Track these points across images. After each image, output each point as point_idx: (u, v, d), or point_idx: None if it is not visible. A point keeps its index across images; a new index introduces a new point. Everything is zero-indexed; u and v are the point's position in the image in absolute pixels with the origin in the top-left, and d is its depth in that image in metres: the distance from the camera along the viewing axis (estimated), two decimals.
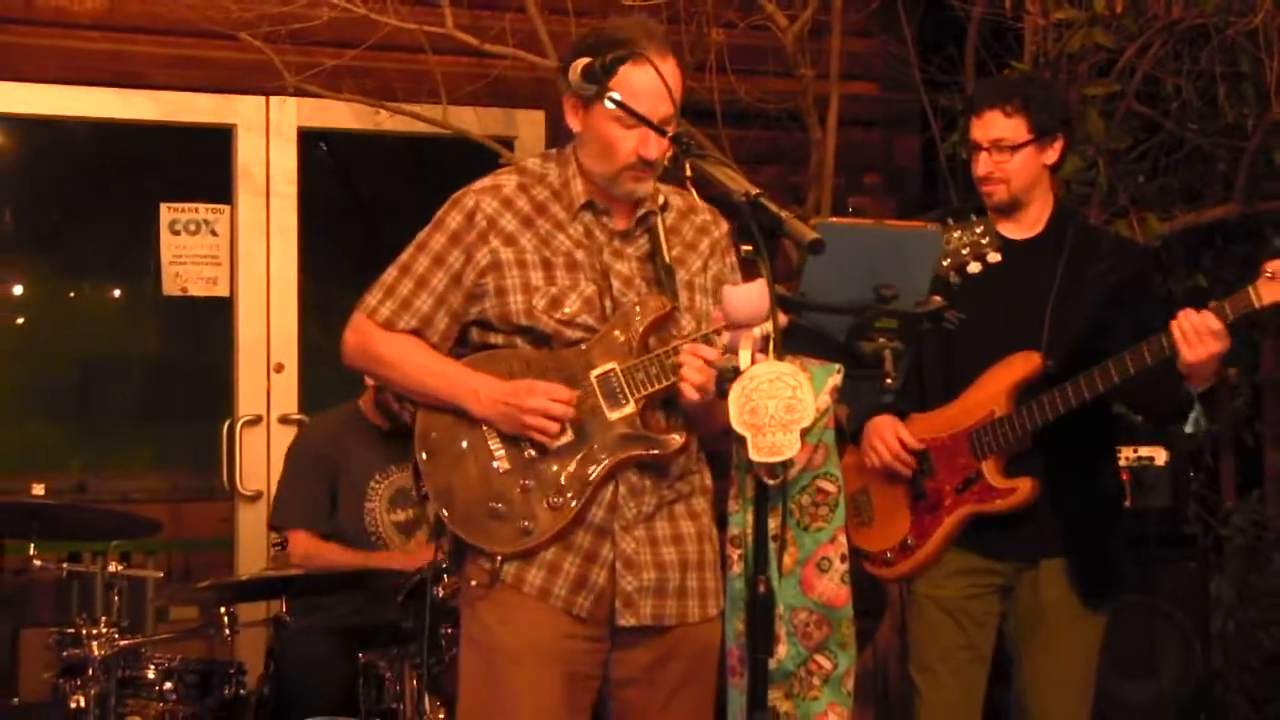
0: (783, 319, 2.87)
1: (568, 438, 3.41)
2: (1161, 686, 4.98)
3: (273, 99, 6.36)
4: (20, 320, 6.46)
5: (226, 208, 6.49)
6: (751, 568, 2.89)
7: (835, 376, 3.47)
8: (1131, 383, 4.03)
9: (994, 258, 3.60)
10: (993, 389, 4.22)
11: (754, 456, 2.80)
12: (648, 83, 3.35)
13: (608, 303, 3.48)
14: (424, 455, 3.51)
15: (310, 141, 6.55)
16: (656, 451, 3.45)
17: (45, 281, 6.89)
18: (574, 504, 3.41)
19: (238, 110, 6.43)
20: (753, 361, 2.84)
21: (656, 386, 3.41)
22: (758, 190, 2.89)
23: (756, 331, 2.97)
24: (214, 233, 6.50)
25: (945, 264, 3.54)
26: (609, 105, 3.33)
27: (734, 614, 3.78)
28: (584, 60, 3.34)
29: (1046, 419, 4.12)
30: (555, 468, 3.43)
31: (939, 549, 4.26)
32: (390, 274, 3.56)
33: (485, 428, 3.46)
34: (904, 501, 4.31)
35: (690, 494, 3.57)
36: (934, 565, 4.28)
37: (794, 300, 2.94)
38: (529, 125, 6.54)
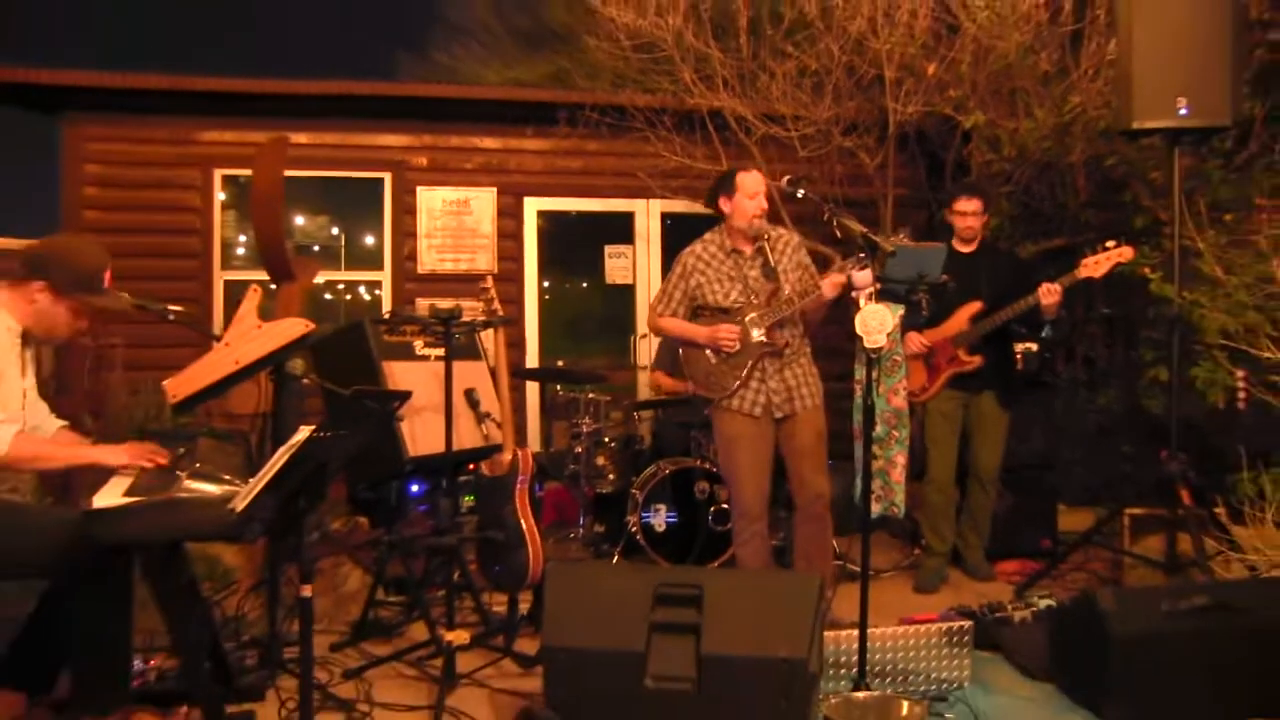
0: (877, 286, 2.88)
1: (737, 348, 3.40)
2: (1033, 447, 4.86)
3: (651, 200, 6.41)
4: (546, 297, 6.67)
5: (630, 248, 6.57)
6: (865, 393, 2.88)
7: (900, 310, 3.50)
8: (1021, 315, 3.99)
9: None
10: (962, 318, 4.16)
11: (866, 345, 2.80)
12: (750, 181, 3.39)
13: (750, 292, 3.44)
14: (685, 364, 3.54)
15: (666, 219, 6.61)
16: (776, 348, 3.42)
17: (557, 281, 7.01)
18: (741, 374, 3.41)
19: (635, 205, 6.50)
20: (866, 303, 2.85)
21: (771, 322, 3.38)
22: (866, 229, 2.92)
23: (868, 290, 3.00)
24: (625, 258, 6.61)
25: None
26: (738, 198, 3.38)
27: (856, 413, 3.85)
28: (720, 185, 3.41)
29: (986, 331, 4.08)
30: (734, 360, 3.42)
31: (940, 387, 4.21)
32: (661, 290, 3.55)
33: (706, 349, 3.47)
34: (922, 368, 4.25)
35: (796, 358, 3.48)
36: (938, 395, 4.22)
37: (882, 276, 2.94)
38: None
